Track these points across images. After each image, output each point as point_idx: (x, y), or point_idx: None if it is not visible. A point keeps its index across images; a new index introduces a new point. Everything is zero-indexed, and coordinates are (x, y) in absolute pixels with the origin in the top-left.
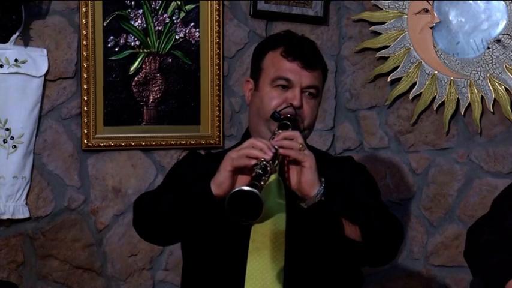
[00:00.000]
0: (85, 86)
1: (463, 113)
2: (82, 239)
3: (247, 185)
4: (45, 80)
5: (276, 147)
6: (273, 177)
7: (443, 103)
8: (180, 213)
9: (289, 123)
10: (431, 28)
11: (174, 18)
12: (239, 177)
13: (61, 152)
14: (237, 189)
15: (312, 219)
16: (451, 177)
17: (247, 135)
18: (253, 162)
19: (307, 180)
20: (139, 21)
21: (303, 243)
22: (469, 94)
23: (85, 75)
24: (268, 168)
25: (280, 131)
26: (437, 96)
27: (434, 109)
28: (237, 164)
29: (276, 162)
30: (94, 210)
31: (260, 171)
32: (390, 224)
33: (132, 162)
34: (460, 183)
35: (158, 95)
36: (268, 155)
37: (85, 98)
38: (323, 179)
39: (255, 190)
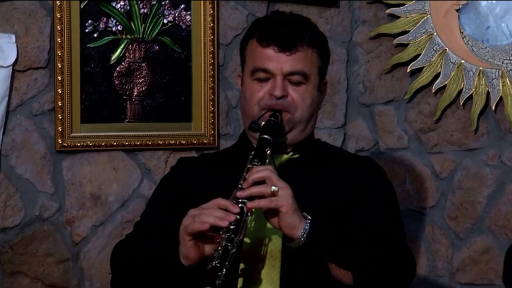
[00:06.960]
0: (59, 78)
1: (493, 108)
2: (56, 253)
3: None
4: (13, 71)
5: (243, 201)
6: None
7: (470, 97)
8: (156, 281)
9: (269, 137)
10: (457, 11)
11: None
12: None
13: (32, 154)
14: None
15: (301, 260)
16: (480, 182)
17: (244, 137)
18: (206, 226)
19: (288, 225)
20: (122, 3)
21: (297, 284)
22: (500, 86)
23: (59, 65)
24: (230, 248)
25: (254, 163)
26: (464, 89)
27: (461, 104)
28: (190, 231)
29: (243, 229)
30: (70, 220)
31: (217, 262)
32: (392, 264)
33: (113, 165)
34: (491, 189)
35: (143, 88)
36: (224, 223)
37: (59, 91)
38: (309, 217)
39: None
